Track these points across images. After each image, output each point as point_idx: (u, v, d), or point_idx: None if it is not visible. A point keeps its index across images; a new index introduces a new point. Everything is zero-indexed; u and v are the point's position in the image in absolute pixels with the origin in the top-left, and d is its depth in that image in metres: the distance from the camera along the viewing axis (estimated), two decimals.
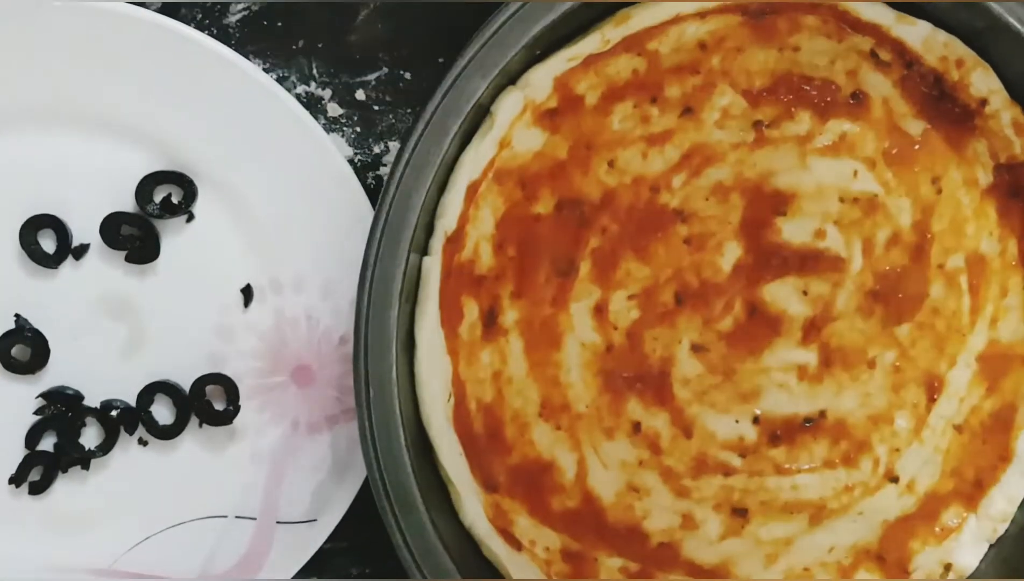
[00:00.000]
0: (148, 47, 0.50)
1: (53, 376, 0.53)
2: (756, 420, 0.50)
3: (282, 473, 0.53)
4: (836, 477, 0.50)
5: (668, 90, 0.49)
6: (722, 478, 0.50)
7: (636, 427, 0.50)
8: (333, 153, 0.51)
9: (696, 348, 0.50)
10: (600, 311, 0.49)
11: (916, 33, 0.49)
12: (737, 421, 0.50)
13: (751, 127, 0.50)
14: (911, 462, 0.50)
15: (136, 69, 0.51)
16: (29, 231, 0.52)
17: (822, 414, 0.50)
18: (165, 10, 0.52)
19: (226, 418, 0.53)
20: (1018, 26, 0.47)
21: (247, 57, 0.52)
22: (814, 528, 0.50)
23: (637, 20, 0.48)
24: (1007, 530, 0.51)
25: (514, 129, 0.48)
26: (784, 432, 0.50)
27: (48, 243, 0.52)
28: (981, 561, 0.51)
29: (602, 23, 0.48)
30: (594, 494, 0.50)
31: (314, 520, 0.52)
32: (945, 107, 0.50)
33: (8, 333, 0.52)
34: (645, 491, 0.50)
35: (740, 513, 0.50)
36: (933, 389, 0.50)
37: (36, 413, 0.53)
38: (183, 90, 0.51)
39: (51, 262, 0.52)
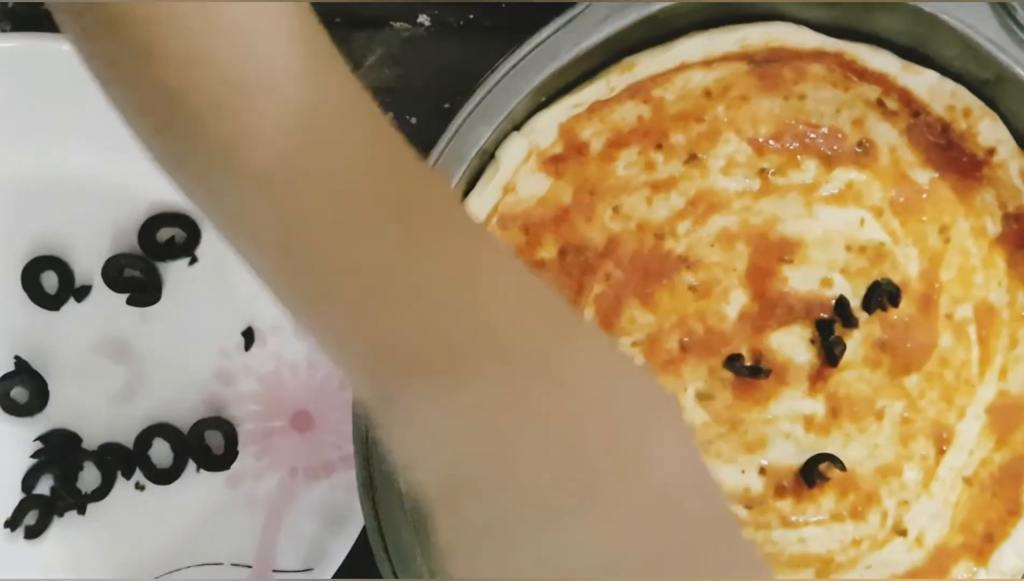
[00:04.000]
0: None
1: (51, 418, 0.53)
2: (762, 471, 0.49)
3: (279, 520, 0.52)
4: (844, 530, 0.49)
5: (673, 137, 0.49)
6: None
7: None
8: None
9: (701, 396, 0.49)
10: None
11: (923, 82, 0.49)
12: (743, 471, 0.49)
13: (756, 175, 0.50)
14: (920, 515, 0.49)
15: None
16: (32, 273, 0.52)
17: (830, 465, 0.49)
18: None
19: (224, 463, 0.52)
20: None
21: None
22: None
23: (642, 68, 0.49)
24: None
25: (518, 174, 0.48)
26: (791, 483, 0.49)
27: (50, 285, 0.52)
28: None
29: (607, 70, 0.49)
30: None
31: (310, 569, 0.51)
32: (953, 156, 0.50)
33: (7, 375, 0.52)
34: None
35: None
36: (942, 441, 0.50)
37: (33, 456, 0.52)
38: None
39: (53, 304, 0.52)
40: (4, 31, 0.53)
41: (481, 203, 0.48)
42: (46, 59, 0.50)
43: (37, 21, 0.54)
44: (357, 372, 0.32)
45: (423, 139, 0.47)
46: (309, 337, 0.34)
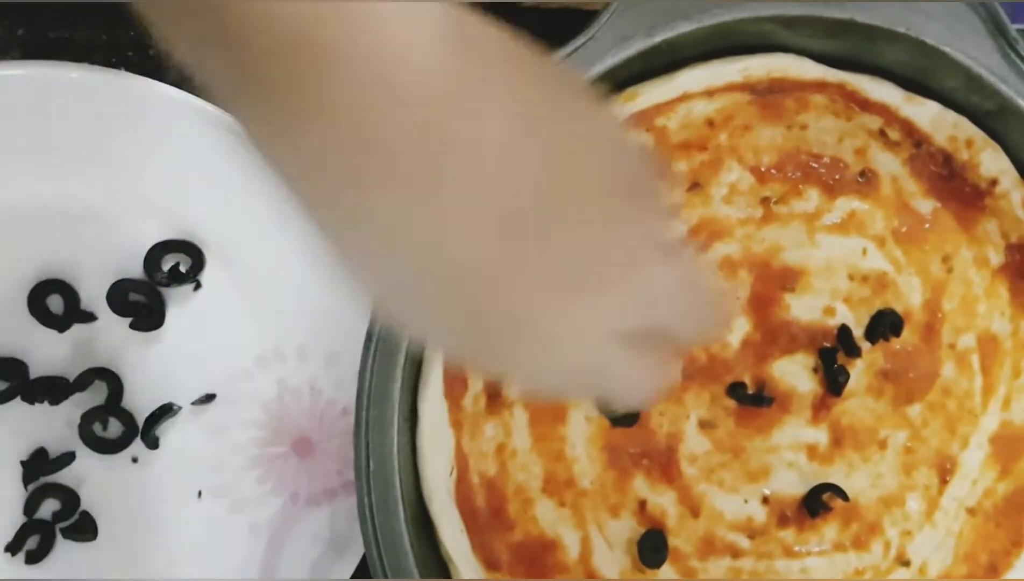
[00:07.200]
0: (161, 118, 0.51)
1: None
2: (765, 500, 0.49)
3: (280, 546, 0.52)
4: (847, 560, 0.49)
5: (676, 165, 0.49)
6: (730, 560, 0.49)
7: (642, 505, 0.49)
8: None
9: (704, 424, 0.49)
10: None
11: (925, 113, 0.49)
12: (746, 501, 0.49)
13: (759, 203, 0.50)
14: (923, 545, 0.49)
15: (148, 140, 0.51)
16: (38, 296, 0.52)
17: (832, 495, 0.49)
18: (179, 83, 0.52)
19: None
20: None
21: None
22: None
23: (645, 97, 0.49)
24: None
25: None
26: (794, 513, 0.49)
27: (56, 308, 0.52)
28: None
29: (610, 100, 0.49)
30: (598, 574, 0.48)
31: None
32: (955, 186, 0.50)
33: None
34: (651, 572, 0.48)
35: None
36: (945, 471, 0.49)
37: (26, 474, 0.52)
38: (194, 161, 0.52)
39: (58, 327, 0.52)
40: (13, 59, 0.54)
41: None
42: (55, 87, 0.51)
43: (45, 49, 0.54)
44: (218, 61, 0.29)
45: None
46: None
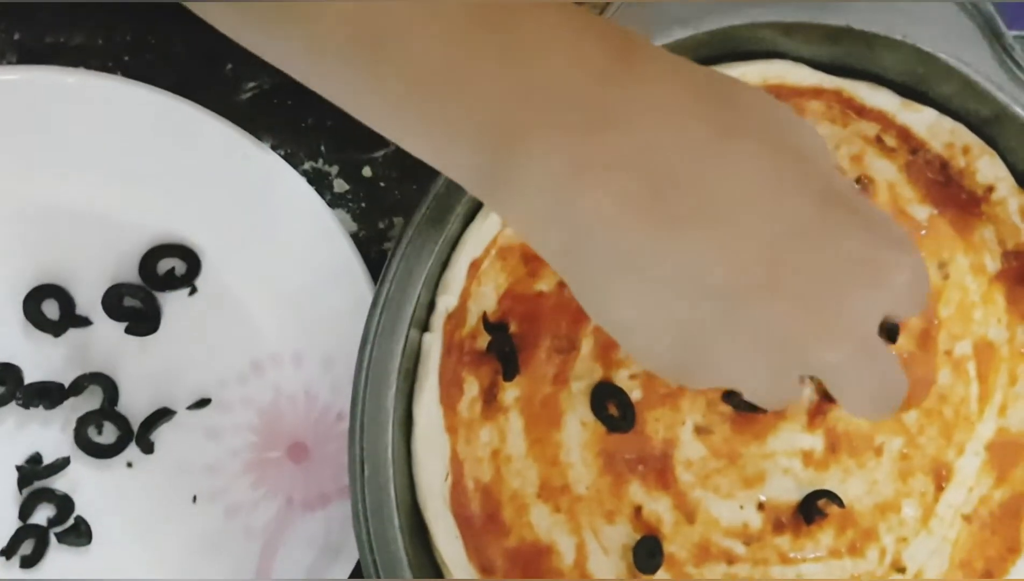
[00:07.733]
0: (158, 123, 0.51)
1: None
2: (760, 506, 0.49)
3: (275, 551, 0.52)
4: (842, 567, 0.49)
5: None
6: (726, 566, 0.49)
7: (637, 511, 0.49)
8: (337, 230, 0.52)
9: (700, 430, 0.49)
10: None
11: (922, 120, 0.50)
12: (741, 507, 0.49)
13: None
14: (919, 552, 0.49)
15: (144, 144, 0.52)
16: (34, 300, 0.52)
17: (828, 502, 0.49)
18: (176, 88, 0.53)
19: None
20: None
21: (256, 134, 0.53)
22: None
23: None
24: None
25: None
26: (789, 519, 0.49)
27: (51, 313, 0.52)
28: None
29: None
30: (593, 580, 0.48)
31: None
32: (951, 193, 0.50)
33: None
34: (646, 578, 0.48)
35: None
36: (941, 477, 0.49)
37: (22, 479, 0.52)
38: (190, 165, 0.52)
39: (54, 332, 0.52)
40: (10, 63, 0.54)
41: (481, 234, 0.48)
42: (51, 91, 0.51)
43: (42, 54, 0.54)
44: (466, 150, 0.33)
45: (427, 172, 0.47)
46: (404, 139, 0.35)
